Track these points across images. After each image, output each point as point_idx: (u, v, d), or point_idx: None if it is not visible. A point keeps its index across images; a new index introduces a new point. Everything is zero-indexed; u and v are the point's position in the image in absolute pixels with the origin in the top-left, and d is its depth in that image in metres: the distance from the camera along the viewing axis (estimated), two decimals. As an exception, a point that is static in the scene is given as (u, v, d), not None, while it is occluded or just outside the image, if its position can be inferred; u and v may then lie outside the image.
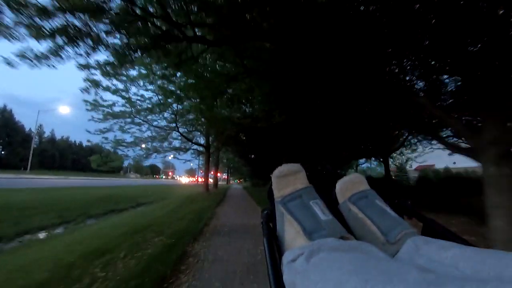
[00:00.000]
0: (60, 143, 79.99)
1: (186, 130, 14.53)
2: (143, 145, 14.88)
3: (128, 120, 12.95)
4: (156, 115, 13.09)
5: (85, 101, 11.43)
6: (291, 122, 8.91)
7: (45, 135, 76.04)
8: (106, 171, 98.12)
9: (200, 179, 36.24)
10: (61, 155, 77.50)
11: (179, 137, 14.55)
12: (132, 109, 12.34)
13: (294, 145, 13.14)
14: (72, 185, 22.75)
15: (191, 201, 10.73)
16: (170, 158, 23.78)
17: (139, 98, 12.04)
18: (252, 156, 22.93)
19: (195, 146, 16.34)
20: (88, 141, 18.59)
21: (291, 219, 0.49)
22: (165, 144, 15.69)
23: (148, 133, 14.58)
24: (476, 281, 0.25)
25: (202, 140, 17.59)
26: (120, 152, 14.81)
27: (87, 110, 11.76)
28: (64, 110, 38.97)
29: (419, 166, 30.95)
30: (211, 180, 18.44)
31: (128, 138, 14.19)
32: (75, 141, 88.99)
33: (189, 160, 20.32)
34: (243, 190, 22.35)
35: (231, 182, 75.15)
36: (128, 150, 14.68)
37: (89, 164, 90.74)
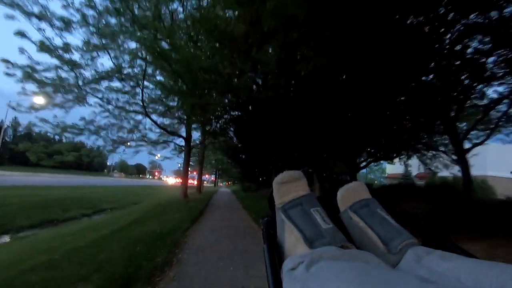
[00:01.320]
0: (38, 138, 74.78)
1: (162, 117, 11.79)
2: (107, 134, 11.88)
3: (73, 95, 9.89)
4: (122, 95, 10.20)
5: (4, 61, 8.38)
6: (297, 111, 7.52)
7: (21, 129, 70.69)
8: (78, 167, 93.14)
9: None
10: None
11: (155, 127, 11.69)
12: (77, 75, 9.29)
13: (293, 144, 11.63)
14: (34, 184, 19.57)
15: (161, 211, 7.99)
16: (157, 157, 20.94)
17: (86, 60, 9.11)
18: (243, 156, 20.29)
19: (179, 141, 13.73)
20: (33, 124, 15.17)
21: (292, 227, 0.48)
22: (137, 135, 12.77)
23: (115, 120, 11.60)
24: None
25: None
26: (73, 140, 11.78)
27: (18, 81, 8.72)
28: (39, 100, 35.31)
29: (419, 174, 29.31)
30: (194, 182, 15.60)
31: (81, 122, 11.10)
32: (54, 136, 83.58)
33: (168, 158, 17.27)
34: (232, 195, 19.51)
35: (220, 184, 71.96)
36: (88, 138, 11.62)
37: (71, 161, 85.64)
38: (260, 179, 24.24)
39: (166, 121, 13.68)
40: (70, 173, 60.23)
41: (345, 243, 0.46)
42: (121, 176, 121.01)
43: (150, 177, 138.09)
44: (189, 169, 15.59)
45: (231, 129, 12.40)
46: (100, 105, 10.23)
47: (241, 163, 21.75)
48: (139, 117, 11.65)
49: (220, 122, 10.92)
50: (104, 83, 9.87)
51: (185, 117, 10.19)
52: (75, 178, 38.56)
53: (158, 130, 13.26)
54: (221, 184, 72.32)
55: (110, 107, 10.29)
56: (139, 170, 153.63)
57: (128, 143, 14.18)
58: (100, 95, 10.02)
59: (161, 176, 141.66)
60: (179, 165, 25.45)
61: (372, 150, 11.69)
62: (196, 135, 16.49)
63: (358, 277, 0.30)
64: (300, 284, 0.35)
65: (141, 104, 9.86)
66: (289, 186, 0.56)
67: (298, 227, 0.48)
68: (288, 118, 9.58)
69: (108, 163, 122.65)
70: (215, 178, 51.47)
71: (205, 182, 78.55)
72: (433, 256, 0.40)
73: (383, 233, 0.49)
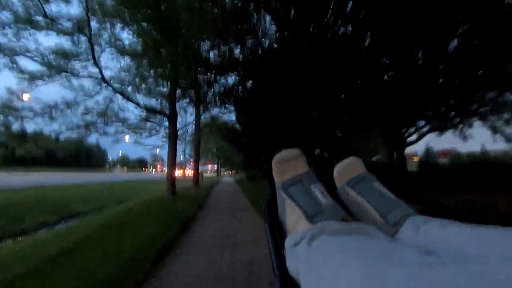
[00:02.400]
0: (32, 137, 72.20)
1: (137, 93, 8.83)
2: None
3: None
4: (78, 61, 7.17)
5: None
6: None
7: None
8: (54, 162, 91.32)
9: (186, 172, 29.82)
10: (32, 150, 69.95)
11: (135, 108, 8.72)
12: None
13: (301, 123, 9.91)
14: (15, 185, 16.97)
15: (127, 223, 5.15)
16: (157, 151, 18.28)
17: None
18: (245, 140, 17.39)
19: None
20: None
21: (292, 204, 0.49)
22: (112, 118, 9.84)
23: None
24: (477, 260, 0.25)
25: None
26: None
27: None
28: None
29: (440, 151, 26.72)
30: (185, 174, 12.79)
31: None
32: (50, 134, 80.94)
33: (158, 146, 14.37)
34: (235, 186, 16.62)
35: (224, 173, 69.48)
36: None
37: (68, 158, 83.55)
38: (266, 165, 21.42)
39: (149, 101, 10.74)
40: (66, 171, 57.85)
41: (346, 217, 0.47)
42: (123, 171, 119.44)
43: (154, 170, 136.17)
44: (189, 158, 13.05)
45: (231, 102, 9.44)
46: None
47: (243, 149, 18.86)
48: (105, 92, 8.71)
49: (215, 88, 7.97)
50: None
51: (168, 84, 7.27)
52: (68, 176, 36.01)
53: (137, 111, 10.34)
54: (224, 174, 69.82)
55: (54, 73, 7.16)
56: (141, 164, 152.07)
57: (102, 131, 11.32)
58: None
59: (164, 169, 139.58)
60: (181, 157, 22.56)
61: (424, 116, 8.67)
62: (184, 118, 13.59)
63: (359, 250, 0.31)
64: (303, 260, 0.35)
65: (93, 61, 6.72)
66: (288, 164, 0.55)
67: (299, 204, 0.48)
68: (309, 74, 6.66)
69: (109, 158, 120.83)
70: (218, 167, 48.77)
71: (208, 172, 76.38)
72: (432, 224, 0.40)
73: (381, 206, 0.50)
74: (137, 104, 7.75)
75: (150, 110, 8.33)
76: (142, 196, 12.70)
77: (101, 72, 6.63)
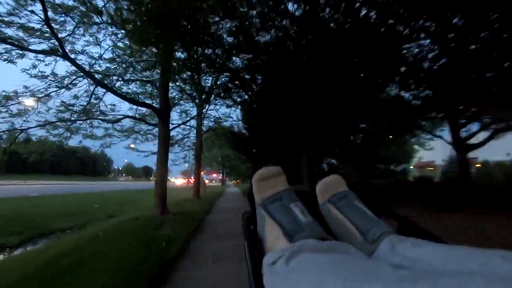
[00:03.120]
0: (37, 145, 71.72)
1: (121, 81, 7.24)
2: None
3: None
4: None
5: None
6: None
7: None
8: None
9: (190, 180, 27.96)
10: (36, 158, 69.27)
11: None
12: None
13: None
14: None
15: (95, 253, 3.32)
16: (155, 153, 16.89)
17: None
18: (252, 147, 15.64)
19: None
20: None
21: (272, 222, 0.49)
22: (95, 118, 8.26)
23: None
24: (447, 276, 0.26)
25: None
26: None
27: None
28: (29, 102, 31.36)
29: (417, 163, 24.69)
30: (190, 183, 10.92)
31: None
32: (54, 142, 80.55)
33: (154, 153, 12.61)
34: (242, 200, 14.68)
35: (233, 182, 67.34)
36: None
37: (71, 167, 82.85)
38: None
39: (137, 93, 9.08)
40: (70, 179, 56.70)
41: (324, 235, 0.47)
42: (128, 179, 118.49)
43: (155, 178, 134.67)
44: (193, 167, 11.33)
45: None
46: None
47: (251, 157, 17.06)
48: (84, 82, 7.08)
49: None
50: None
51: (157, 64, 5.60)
52: (68, 185, 34.59)
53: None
54: (232, 183, 67.69)
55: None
56: (147, 172, 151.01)
57: (87, 132, 9.74)
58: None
59: (169, 178, 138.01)
60: (187, 165, 20.93)
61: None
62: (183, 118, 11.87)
63: (336, 267, 0.32)
64: (281, 278, 0.35)
65: (45, 22, 4.53)
66: (268, 182, 0.56)
67: (278, 222, 0.48)
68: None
69: (115, 167, 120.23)
70: (223, 176, 46.89)
71: (213, 181, 74.35)
72: (406, 243, 0.42)
73: (361, 224, 0.50)
74: (119, 94, 6.02)
75: (133, 101, 6.60)
76: (133, 209, 10.96)
77: (60, 44, 4.71)
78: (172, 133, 11.97)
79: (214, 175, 59.57)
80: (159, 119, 6.23)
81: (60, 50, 4.60)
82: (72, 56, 5.84)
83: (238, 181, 66.85)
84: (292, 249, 0.39)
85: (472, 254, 0.33)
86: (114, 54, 6.86)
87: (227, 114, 13.15)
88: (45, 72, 6.54)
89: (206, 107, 11.67)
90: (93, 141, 11.18)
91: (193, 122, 12.22)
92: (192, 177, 12.16)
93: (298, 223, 0.48)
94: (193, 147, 12.81)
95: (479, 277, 0.24)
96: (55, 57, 5.57)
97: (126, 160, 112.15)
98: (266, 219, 0.50)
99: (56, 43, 4.71)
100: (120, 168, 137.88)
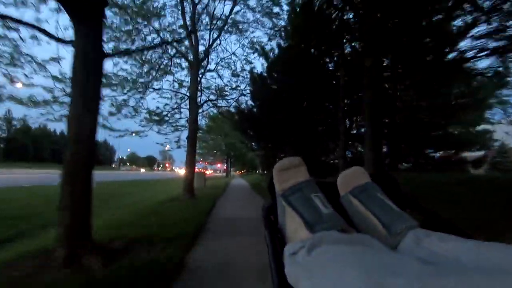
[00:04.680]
0: (36, 132, 69.72)
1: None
2: None
3: None
4: None
5: None
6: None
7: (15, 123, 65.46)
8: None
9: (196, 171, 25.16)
10: (36, 146, 67.36)
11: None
12: None
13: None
14: None
15: None
16: (166, 148, 13.97)
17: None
18: (265, 128, 12.48)
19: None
20: None
21: (293, 212, 0.49)
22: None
23: None
24: (476, 272, 0.25)
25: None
26: None
27: None
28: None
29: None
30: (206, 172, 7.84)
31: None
32: (55, 130, 78.57)
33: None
34: (254, 197, 11.40)
35: (237, 173, 64.48)
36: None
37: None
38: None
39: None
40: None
41: (346, 227, 0.47)
42: (132, 169, 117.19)
43: (159, 168, 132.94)
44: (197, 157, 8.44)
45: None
46: None
47: (264, 142, 13.91)
48: None
49: None
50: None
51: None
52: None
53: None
54: (237, 173, 64.86)
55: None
56: (150, 162, 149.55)
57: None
58: None
59: (173, 168, 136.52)
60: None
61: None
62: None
63: (358, 260, 0.31)
64: (302, 268, 0.35)
65: None
66: (289, 172, 0.56)
67: (299, 213, 0.48)
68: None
69: (118, 156, 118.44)
70: (227, 167, 43.91)
71: (217, 172, 71.36)
72: (432, 238, 0.41)
73: (383, 217, 0.50)
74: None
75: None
76: (117, 208, 8.06)
77: None
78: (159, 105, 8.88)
79: (218, 165, 56.49)
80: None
81: None
82: None
83: (242, 171, 63.81)
84: (314, 240, 0.39)
85: (505, 251, 0.30)
86: None
87: (232, 82, 9.92)
88: None
89: (205, 65, 8.51)
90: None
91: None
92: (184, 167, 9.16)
93: (319, 214, 0.47)
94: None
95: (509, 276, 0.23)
96: None
97: (129, 149, 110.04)
98: (287, 209, 0.50)
99: None
100: (124, 158, 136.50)
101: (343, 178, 0.60)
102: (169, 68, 8.23)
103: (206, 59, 8.49)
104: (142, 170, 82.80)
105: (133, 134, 8.61)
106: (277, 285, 0.38)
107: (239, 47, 8.94)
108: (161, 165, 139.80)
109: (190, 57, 7.91)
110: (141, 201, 10.14)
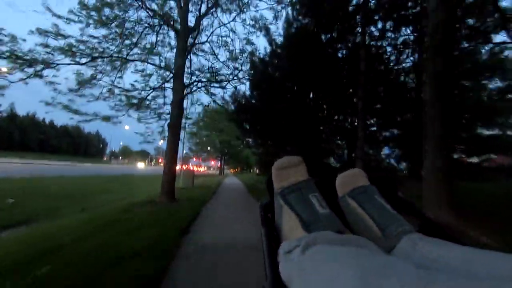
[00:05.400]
0: (24, 121, 66.91)
1: None
2: None
3: None
4: None
5: None
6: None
7: (1, 109, 62.59)
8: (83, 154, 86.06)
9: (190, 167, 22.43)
10: (23, 135, 64.56)
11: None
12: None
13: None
14: None
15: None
16: (160, 142, 12.31)
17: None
18: (266, 120, 10.83)
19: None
20: None
21: (289, 211, 0.49)
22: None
23: None
24: (468, 278, 0.26)
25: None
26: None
27: None
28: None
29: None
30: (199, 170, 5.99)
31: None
32: (44, 119, 75.66)
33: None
34: (250, 200, 9.79)
35: (231, 170, 62.42)
36: None
37: (62, 146, 78.09)
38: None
39: None
40: (58, 159, 52.05)
41: (341, 228, 0.47)
42: (124, 162, 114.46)
43: (152, 162, 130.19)
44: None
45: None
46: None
47: (262, 139, 12.26)
48: None
49: None
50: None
51: None
52: (54, 166, 29.89)
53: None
54: (232, 170, 62.78)
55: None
56: (144, 156, 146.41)
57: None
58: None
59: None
60: (184, 151, 16.21)
61: None
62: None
63: (352, 260, 0.30)
64: (296, 267, 0.35)
65: None
66: (288, 171, 0.55)
67: (296, 212, 0.48)
68: None
69: (109, 149, 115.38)
70: (221, 164, 42.14)
71: (211, 169, 69.13)
72: (427, 242, 0.41)
73: (380, 219, 0.49)
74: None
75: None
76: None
77: None
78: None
79: (212, 162, 54.55)
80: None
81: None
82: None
83: (236, 169, 61.74)
84: (308, 239, 0.38)
85: (501, 258, 0.30)
86: None
87: (228, 64, 8.21)
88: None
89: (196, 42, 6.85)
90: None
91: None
92: (164, 160, 7.33)
93: (316, 214, 0.47)
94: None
95: (509, 283, 0.23)
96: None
97: (121, 143, 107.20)
98: (284, 208, 0.50)
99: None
100: (116, 151, 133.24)
101: (341, 179, 0.59)
102: (144, 35, 6.50)
103: (197, 30, 6.80)
104: (140, 164, 79.60)
105: (104, 120, 6.89)
106: (271, 282, 0.37)
107: (240, 21, 6.97)
108: (153, 160, 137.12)
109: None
110: (113, 201, 8.56)
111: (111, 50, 6.39)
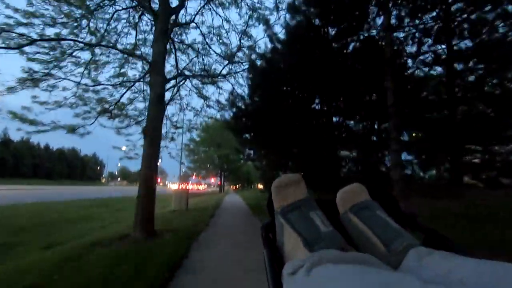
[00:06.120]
0: (18, 146, 65.36)
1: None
2: None
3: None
4: None
5: None
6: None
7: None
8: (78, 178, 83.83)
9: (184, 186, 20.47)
10: (17, 160, 62.79)
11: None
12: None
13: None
14: None
15: None
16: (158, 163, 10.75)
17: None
18: (266, 126, 9.37)
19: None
20: None
21: (291, 230, 0.48)
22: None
23: None
24: None
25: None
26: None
27: None
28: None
29: None
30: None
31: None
32: (38, 143, 74.16)
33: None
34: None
35: (233, 187, 60.22)
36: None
37: (56, 170, 75.94)
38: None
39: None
40: (52, 184, 50.05)
41: (345, 246, 0.46)
42: (122, 184, 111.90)
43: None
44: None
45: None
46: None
47: (264, 152, 10.76)
48: None
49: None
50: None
51: None
52: (37, 190, 28.04)
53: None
54: (233, 188, 60.49)
55: None
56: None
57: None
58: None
59: (166, 183, 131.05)
60: (183, 170, 14.77)
61: None
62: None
63: (359, 279, 0.30)
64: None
65: None
66: (288, 190, 0.54)
67: (298, 231, 0.47)
68: None
69: (110, 171, 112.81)
70: (221, 181, 40.25)
71: (212, 187, 66.78)
72: (434, 256, 0.40)
73: (384, 235, 0.48)
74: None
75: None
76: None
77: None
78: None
79: (212, 179, 52.49)
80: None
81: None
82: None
83: (237, 186, 59.45)
84: (313, 259, 0.37)
85: (508, 270, 0.30)
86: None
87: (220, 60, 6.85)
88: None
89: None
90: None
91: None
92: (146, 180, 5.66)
93: (318, 232, 0.46)
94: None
95: None
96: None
97: (119, 164, 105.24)
98: (285, 227, 0.49)
99: None
100: (116, 173, 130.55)
101: (342, 195, 0.57)
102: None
103: (181, 10, 5.50)
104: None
105: (68, 132, 5.41)
106: None
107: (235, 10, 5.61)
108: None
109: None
110: (88, 233, 7.11)
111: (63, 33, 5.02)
